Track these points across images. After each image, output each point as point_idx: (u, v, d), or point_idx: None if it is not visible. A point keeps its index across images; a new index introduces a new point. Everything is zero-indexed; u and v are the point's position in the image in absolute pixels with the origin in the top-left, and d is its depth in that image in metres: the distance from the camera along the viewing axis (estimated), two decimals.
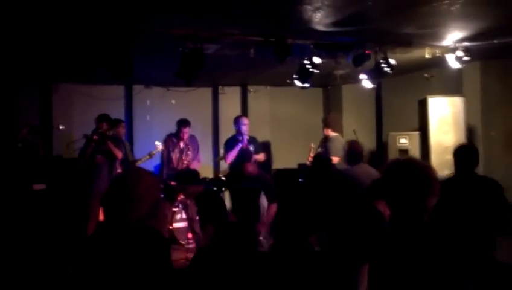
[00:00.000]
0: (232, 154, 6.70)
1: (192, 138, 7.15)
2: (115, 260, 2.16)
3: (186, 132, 6.95)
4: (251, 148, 6.77)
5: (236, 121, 6.90)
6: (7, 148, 6.35)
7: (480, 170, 6.81)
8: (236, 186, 5.80)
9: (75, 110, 7.92)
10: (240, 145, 6.71)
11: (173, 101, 8.52)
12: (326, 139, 6.95)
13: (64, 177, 7.10)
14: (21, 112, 7.47)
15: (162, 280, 2.18)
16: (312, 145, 7.00)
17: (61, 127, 6.87)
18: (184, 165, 6.90)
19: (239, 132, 6.80)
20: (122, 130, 7.26)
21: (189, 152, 6.97)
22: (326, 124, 6.98)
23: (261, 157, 6.87)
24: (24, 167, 6.40)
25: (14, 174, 6.28)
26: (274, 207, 5.46)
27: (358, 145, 5.05)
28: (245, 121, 6.85)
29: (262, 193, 5.90)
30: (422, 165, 2.07)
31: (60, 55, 5.96)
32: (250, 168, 5.73)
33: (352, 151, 4.92)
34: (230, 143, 6.85)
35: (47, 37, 5.02)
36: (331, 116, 7.84)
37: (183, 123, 6.97)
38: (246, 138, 6.74)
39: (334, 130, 7.07)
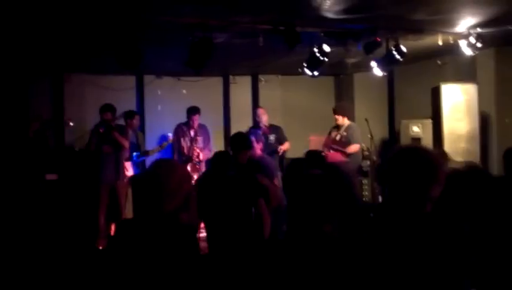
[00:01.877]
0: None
1: (202, 127, 7.18)
2: (148, 255, 2.08)
3: (196, 119, 7.02)
4: (272, 137, 6.83)
5: (254, 113, 7.10)
6: (19, 139, 6.41)
7: (494, 157, 6.80)
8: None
9: (87, 100, 7.96)
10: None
11: (184, 91, 8.52)
12: (343, 127, 6.83)
13: (76, 167, 7.16)
14: (32, 102, 7.53)
15: (192, 274, 2.12)
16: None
17: (71, 124, 6.93)
18: (196, 153, 6.93)
19: (257, 124, 6.94)
20: (136, 122, 7.31)
21: (199, 138, 7.01)
22: (342, 112, 6.88)
23: (285, 146, 6.97)
24: (36, 158, 6.47)
25: (27, 165, 6.35)
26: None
27: None
28: (260, 111, 6.96)
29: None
30: (428, 152, 2.00)
31: (71, 45, 5.98)
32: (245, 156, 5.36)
33: None
34: (250, 132, 6.94)
35: (57, 27, 5.04)
36: (345, 104, 7.74)
37: (192, 111, 7.03)
38: (263, 126, 6.88)
39: (349, 119, 7.00)
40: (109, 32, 4.94)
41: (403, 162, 1.95)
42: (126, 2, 4.32)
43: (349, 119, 6.93)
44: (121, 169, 6.53)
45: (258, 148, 5.68)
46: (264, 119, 6.93)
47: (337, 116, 6.84)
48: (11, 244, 5.23)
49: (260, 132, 6.65)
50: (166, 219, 2.14)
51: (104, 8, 4.45)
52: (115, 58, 4.98)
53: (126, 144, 6.53)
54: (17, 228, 5.70)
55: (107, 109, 6.45)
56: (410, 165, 1.92)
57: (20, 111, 7.17)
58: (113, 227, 6.58)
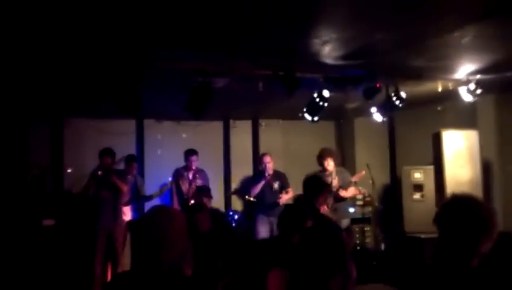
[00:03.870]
0: (256, 189, 6.75)
1: (201, 172, 7.11)
2: None
3: (194, 160, 6.99)
4: (276, 185, 6.72)
5: (259, 160, 6.94)
6: (17, 185, 6.34)
7: (497, 204, 6.69)
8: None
9: (86, 145, 7.91)
10: (263, 181, 6.72)
11: (184, 135, 8.51)
12: (333, 173, 6.64)
13: (73, 212, 7.05)
14: (31, 147, 7.49)
15: None
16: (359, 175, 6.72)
17: (69, 170, 6.87)
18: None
19: (263, 170, 6.78)
20: (134, 167, 7.28)
21: (198, 180, 6.93)
22: (333, 157, 6.68)
23: (288, 195, 6.80)
24: (33, 203, 6.38)
25: (24, 211, 6.25)
26: None
27: None
28: (266, 159, 6.80)
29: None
30: (482, 204, 1.94)
31: (71, 90, 6.01)
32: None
33: None
34: (255, 177, 6.93)
35: (57, 71, 5.07)
36: (332, 149, 7.52)
37: (190, 152, 7.06)
38: (267, 175, 6.73)
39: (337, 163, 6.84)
40: (109, 77, 4.95)
41: (454, 213, 1.90)
42: (126, 48, 4.35)
43: (337, 164, 6.72)
44: (118, 214, 6.42)
45: None
46: (270, 167, 6.75)
47: (330, 161, 6.50)
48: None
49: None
50: (165, 272, 2.02)
51: (105, 54, 4.48)
52: (114, 103, 4.97)
53: (125, 188, 6.45)
54: (14, 274, 5.56)
55: (107, 153, 6.40)
56: (462, 216, 1.87)
57: (19, 156, 7.13)
58: (109, 274, 6.42)
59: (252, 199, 7.22)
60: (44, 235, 6.52)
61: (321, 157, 6.58)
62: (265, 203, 6.73)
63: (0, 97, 6.20)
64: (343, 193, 6.40)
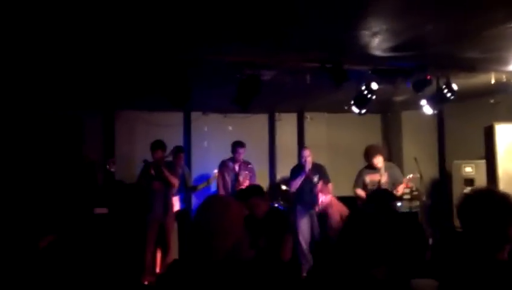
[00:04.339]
0: (296, 183, 6.70)
1: (248, 165, 7.15)
2: None
3: (241, 152, 7.00)
4: (315, 178, 6.68)
5: (298, 153, 6.87)
6: (71, 174, 6.60)
7: None
8: None
9: (136, 137, 8.16)
10: (303, 175, 6.66)
11: (230, 128, 8.60)
12: (382, 169, 6.59)
13: (125, 202, 7.27)
14: (85, 138, 7.78)
15: None
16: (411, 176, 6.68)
17: (112, 170, 7.04)
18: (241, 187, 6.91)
19: (302, 164, 6.71)
20: (182, 158, 7.42)
21: (243, 172, 6.98)
22: (382, 153, 6.62)
23: (327, 198, 6.71)
24: (86, 192, 6.62)
25: (77, 199, 6.51)
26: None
27: None
28: (305, 153, 6.72)
29: None
30: (503, 194, 1.99)
31: (123, 84, 6.19)
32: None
33: None
34: (295, 171, 6.84)
35: (110, 66, 5.23)
36: (379, 145, 7.43)
37: (238, 144, 7.06)
38: (307, 168, 6.65)
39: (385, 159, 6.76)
40: (159, 71, 5.08)
41: (479, 205, 1.94)
42: (176, 42, 4.44)
43: (385, 159, 6.65)
44: (169, 206, 6.57)
45: None
46: (309, 160, 6.67)
47: (379, 158, 6.48)
48: (61, 275, 5.32)
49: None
50: (223, 259, 2.03)
51: (155, 48, 4.60)
52: (165, 96, 5.09)
53: (176, 182, 6.57)
54: (65, 260, 5.79)
55: (158, 146, 6.52)
56: (487, 207, 1.91)
57: (74, 147, 7.42)
58: (158, 263, 6.59)
59: (285, 187, 7.25)
60: (97, 223, 6.75)
61: (369, 155, 6.55)
62: (305, 197, 6.70)
63: (55, 91, 6.47)
64: (397, 190, 6.37)
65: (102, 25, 3.89)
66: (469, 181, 7.11)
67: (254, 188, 4.53)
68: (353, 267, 2.29)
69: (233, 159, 7.08)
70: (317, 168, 6.80)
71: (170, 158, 6.92)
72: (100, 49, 4.60)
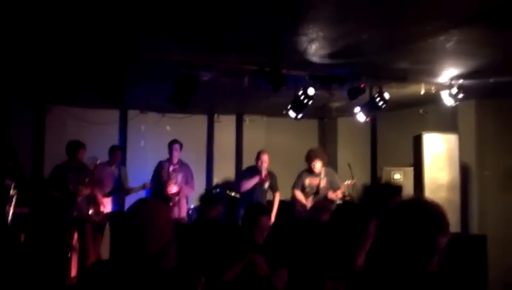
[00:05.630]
0: (248, 184, 6.65)
1: (185, 165, 7.06)
2: None
3: (176, 149, 6.88)
4: (266, 185, 6.70)
5: (257, 156, 6.75)
6: None
7: (474, 210, 6.82)
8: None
9: (68, 133, 7.84)
10: (257, 179, 6.63)
11: (168, 128, 8.48)
12: (322, 173, 6.70)
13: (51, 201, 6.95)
14: (12, 133, 7.40)
15: None
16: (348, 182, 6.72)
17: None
18: (175, 188, 6.78)
19: (259, 167, 6.66)
20: (118, 157, 7.23)
21: (178, 174, 6.87)
22: (321, 158, 6.74)
23: (278, 198, 6.81)
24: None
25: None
26: None
27: None
28: (264, 157, 6.66)
29: None
30: (430, 203, 1.98)
31: (54, 77, 5.95)
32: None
33: None
34: (248, 172, 6.80)
35: (41, 58, 5.01)
36: (320, 150, 7.58)
37: (172, 142, 6.94)
38: (263, 173, 6.64)
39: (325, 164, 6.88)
40: (94, 66, 4.92)
41: (408, 215, 1.93)
42: (112, 38, 4.32)
43: (324, 165, 6.76)
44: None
45: None
46: (266, 166, 6.65)
47: (317, 163, 6.59)
48: None
49: None
50: (143, 266, 2.01)
51: (90, 42, 4.45)
52: (98, 92, 4.93)
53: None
54: None
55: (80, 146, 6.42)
56: (417, 216, 1.90)
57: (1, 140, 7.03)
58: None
59: (234, 194, 7.20)
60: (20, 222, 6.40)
61: (308, 159, 6.66)
62: (253, 201, 6.56)
63: None
64: (331, 195, 6.49)
65: (36, 16, 3.72)
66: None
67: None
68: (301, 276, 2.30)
69: (170, 160, 6.96)
70: (270, 176, 6.77)
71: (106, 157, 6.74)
72: (32, 41, 4.40)
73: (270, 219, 4.03)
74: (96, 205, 6.57)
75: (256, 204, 4.94)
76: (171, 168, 6.89)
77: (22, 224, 6.14)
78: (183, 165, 7.02)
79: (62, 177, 6.32)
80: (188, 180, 6.99)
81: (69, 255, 6.13)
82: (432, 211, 1.91)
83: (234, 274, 3.53)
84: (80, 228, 6.26)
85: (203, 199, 5.35)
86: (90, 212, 6.41)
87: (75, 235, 6.24)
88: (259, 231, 3.72)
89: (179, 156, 6.99)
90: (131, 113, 8.49)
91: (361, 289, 2.08)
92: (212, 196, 5.74)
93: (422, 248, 1.86)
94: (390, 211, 2.00)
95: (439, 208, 1.94)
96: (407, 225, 1.89)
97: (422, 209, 1.92)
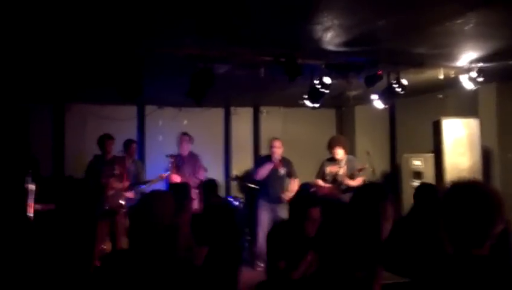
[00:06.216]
0: (263, 171, 6.68)
1: (194, 156, 7.07)
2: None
3: (185, 140, 6.97)
4: (282, 171, 6.70)
5: (270, 144, 6.83)
6: (16, 169, 6.33)
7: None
8: None
9: (87, 130, 7.94)
10: (271, 165, 6.66)
11: (185, 122, 8.52)
12: (343, 161, 6.66)
13: (74, 197, 7.05)
14: (33, 131, 7.51)
15: None
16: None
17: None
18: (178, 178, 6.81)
19: (271, 154, 6.71)
20: (133, 151, 7.28)
21: (185, 165, 6.88)
22: (341, 145, 6.74)
23: (295, 184, 6.80)
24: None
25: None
26: None
27: None
28: (276, 143, 6.72)
29: None
30: (488, 187, 1.89)
31: (73, 75, 6.01)
32: None
33: None
34: (262, 160, 6.86)
35: (59, 57, 5.06)
36: (343, 137, 7.61)
37: (181, 134, 7.02)
38: (277, 160, 6.67)
39: (347, 152, 6.87)
40: (111, 63, 4.95)
41: (463, 201, 1.83)
42: (127, 34, 4.34)
43: (346, 152, 6.79)
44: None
45: None
46: (279, 152, 6.69)
47: (338, 150, 6.62)
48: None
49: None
50: (162, 251, 2.09)
51: (106, 40, 4.48)
52: (116, 89, 4.97)
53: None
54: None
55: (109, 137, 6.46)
56: (474, 201, 1.81)
57: (21, 139, 7.13)
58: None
59: (253, 186, 7.21)
60: (40, 220, 6.51)
61: (329, 146, 6.69)
62: (269, 189, 6.69)
63: (2, 84, 6.21)
64: (348, 182, 6.48)
65: (55, 14, 3.75)
66: (417, 174, 7.32)
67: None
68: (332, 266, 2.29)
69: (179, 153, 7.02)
70: (286, 162, 6.80)
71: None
72: (49, 39, 4.44)
73: (319, 210, 3.85)
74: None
75: (305, 195, 4.89)
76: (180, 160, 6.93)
77: (48, 220, 6.26)
78: (191, 157, 7.03)
79: (97, 169, 6.44)
80: (199, 171, 6.99)
81: (95, 246, 6.21)
82: (491, 197, 1.81)
83: (301, 273, 3.48)
84: (111, 220, 6.34)
85: (204, 187, 5.37)
86: (122, 203, 6.49)
87: (107, 227, 6.32)
88: (310, 224, 3.63)
89: (190, 148, 7.02)
90: (149, 109, 8.56)
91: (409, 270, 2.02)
92: (212, 183, 5.71)
93: (478, 233, 1.79)
94: (445, 192, 1.89)
95: (498, 194, 1.85)
96: (465, 209, 1.80)
97: (481, 194, 1.82)
